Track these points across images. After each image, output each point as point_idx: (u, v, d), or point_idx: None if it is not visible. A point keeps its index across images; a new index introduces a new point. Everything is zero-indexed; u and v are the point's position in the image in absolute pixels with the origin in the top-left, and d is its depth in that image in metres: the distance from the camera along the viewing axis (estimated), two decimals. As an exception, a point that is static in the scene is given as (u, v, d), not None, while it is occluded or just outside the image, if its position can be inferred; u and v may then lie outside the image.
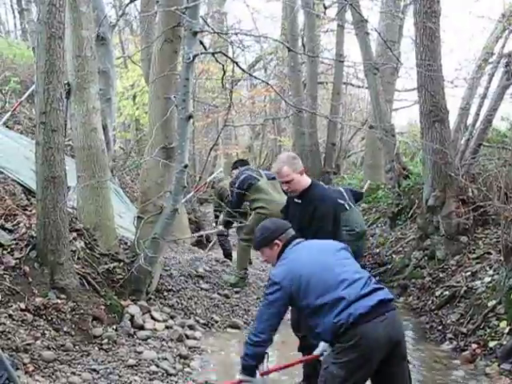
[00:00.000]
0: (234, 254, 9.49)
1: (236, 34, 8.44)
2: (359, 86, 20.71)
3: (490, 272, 6.46)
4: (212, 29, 7.24)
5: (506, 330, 5.37)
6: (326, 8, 16.10)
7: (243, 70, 7.91)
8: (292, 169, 4.44)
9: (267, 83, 10.31)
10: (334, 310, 3.18)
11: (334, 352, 3.24)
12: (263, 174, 7.84)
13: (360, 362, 3.16)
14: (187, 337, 5.68)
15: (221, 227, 9.79)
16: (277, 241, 3.62)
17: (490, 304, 5.79)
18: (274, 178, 7.74)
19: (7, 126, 9.03)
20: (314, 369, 4.68)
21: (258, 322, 3.45)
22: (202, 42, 6.33)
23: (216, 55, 6.39)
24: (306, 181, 4.53)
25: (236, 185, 7.55)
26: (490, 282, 6.20)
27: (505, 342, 5.25)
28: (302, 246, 3.58)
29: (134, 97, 15.20)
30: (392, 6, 12.51)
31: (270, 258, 3.69)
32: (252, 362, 3.45)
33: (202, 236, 11.53)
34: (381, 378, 3.30)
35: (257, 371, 3.49)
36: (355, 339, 3.13)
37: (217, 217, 11.45)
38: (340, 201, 8.92)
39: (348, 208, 8.83)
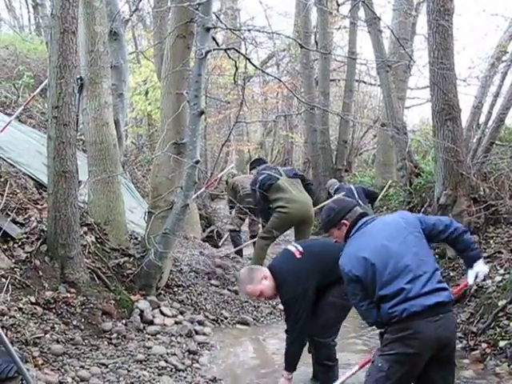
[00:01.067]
0: (245, 250, 9.51)
1: (249, 30, 8.43)
2: (371, 84, 20.63)
3: (501, 271, 6.41)
4: (225, 25, 7.24)
5: (517, 330, 5.34)
6: (338, 5, 16.04)
7: (255, 67, 7.89)
8: (254, 284, 4.30)
9: (279, 80, 10.30)
10: (392, 300, 3.18)
11: (382, 345, 3.26)
12: (282, 171, 7.77)
13: (405, 358, 3.16)
14: (196, 332, 5.69)
15: (229, 226, 9.83)
16: (344, 220, 3.60)
17: (501, 303, 5.74)
18: (294, 176, 7.74)
19: (20, 120, 9.07)
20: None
21: (359, 313, 3.47)
22: (214, 38, 6.32)
23: (228, 51, 6.39)
24: (271, 281, 4.32)
25: (257, 186, 7.47)
26: (501, 282, 6.15)
27: (515, 342, 5.22)
28: (371, 228, 3.48)
29: (147, 92, 15.23)
30: (405, 4, 12.42)
31: (339, 238, 3.66)
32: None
33: (212, 231, 11.55)
34: (425, 379, 3.28)
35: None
36: (405, 332, 3.13)
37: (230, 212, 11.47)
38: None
39: None
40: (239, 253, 9.45)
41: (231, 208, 11.07)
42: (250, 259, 8.35)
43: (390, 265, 3.24)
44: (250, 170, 8.34)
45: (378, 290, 3.23)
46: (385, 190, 11.62)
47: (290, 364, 4.39)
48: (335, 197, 9.05)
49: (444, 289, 3.27)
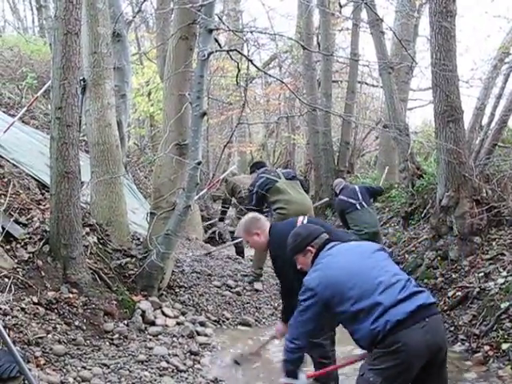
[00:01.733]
0: (247, 251, 9.51)
1: (251, 32, 8.45)
2: (374, 85, 20.63)
3: (504, 273, 6.40)
4: (227, 27, 7.25)
5: (519, 333, 5.33)
6: (341, 7, 16.05)
7: (258, 68, 7.92)
8: (246, 234, 4.54)
9: (281, 81, 10.30)
10: (371, 316, 3.07)
11: (371, 358, 3.14)
12: (281, 174, 7.78)
13: (398, 369, 3.04)
14: (198, 333, 5.68)
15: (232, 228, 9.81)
16: (309, 247, 3.54)
17: (503, 306, 5.74)
18: (292, 178, 7.76)
19: (23, 121, 9.11)
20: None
21: (293, 328, 3.40)
22: (216, 40, 6.33)
23: (231, 53, 6.41)
24: (265, 238, 4.49)
25: (254, 188, 7.45)
26: (504, 284, 6.14)
27: (517, 345, 5.21)
28: (337, 249, 3.45)
29: (149, 93, 15.27)
30: (407, 6, 12.43)
31: (305, 266, 3.58)
32: (291, 367, 3.42)
33: (214, 233, 11.57)
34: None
35: (301, 373, 3.46)
36: (394, 346, 3.01)
37: (224, 213, 11.45)
38: (351, 200, 9.01)
39: (359, 208, 8.88)
40: (241, 254, 9.46)
41: (224, 207, 11.09)
42: (251, 260, 8.36)
43: (361, 280, 3.17)
44: (251, 173, 8.33)
45: (351, 306, 3.13)
46: (383, 177, 11.67)
47: (286, 317, 4.47)
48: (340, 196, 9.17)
49: (422, 291, 3.20)
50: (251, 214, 4.84)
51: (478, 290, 6.43)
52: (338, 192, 9.50)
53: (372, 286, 3.13)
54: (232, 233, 10.25)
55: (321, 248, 3.50)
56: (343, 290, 3.17)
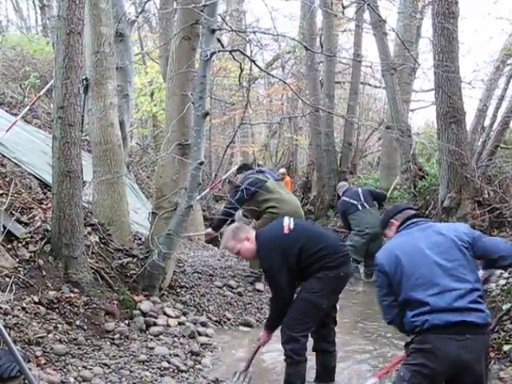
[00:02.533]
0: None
1: (254, 32, 8.41)
2: (376, 86, 20.62)
3: (506, 275, 6.38)
4: (230, 27, 7.26)
5: (521, 334, 5.31)
6: (344, 8, 16.07)
7: (260, 69, 7.91)
8: (236, 241, 4.59)
9: (284, 82, 10.29)
10: (416, 309, 3.11)
11: (407, 354, 3.22)
12: (269, 175, 7.81)
13: (425, 370, 3.06)
14: (199, 333, 5.67)
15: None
16: (392, 220, 3.61)
17: (505, 307, 5.72)
18: (280, 180, 7.84)
19: (26, 121, 9.12)
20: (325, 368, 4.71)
21: (380, 307, 3.45)
22: (219, 40, 6.35)
23: (233, 53, 6.40)
24: (254, 244, 4.55)
25: (241, 186, 7.26)
26: (505, 285, 6.14)
27: (519, 346, 5.19)
28: (420, 229, 3.40)
29: (152, 93, 15.29)
30: (410, 7, 12.42)
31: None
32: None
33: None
34: None
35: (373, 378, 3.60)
36: (425, 345, 3.06)
37: (231, 215, 11.35)
38: (353, 201, 9.05)
39: (361, 208, 8.91)
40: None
41: (230, 209, 11.07)
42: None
43: (420, 271, 3.15)
44: (237, 174, 8.27)
45: (404, 293, 3.18)
46: (391, 188, 11.71)
47: (270, 326, 4.63)
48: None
49: (478, 310, 3.08)
50: (233, 224, 4.92)
51: (479, 291, 6.42)
52: (341, 194, 9.56)
53: (429, 282, 3.12)
54: None
55: (403, 222, 3.51)
56: (403, 271, 3.20)
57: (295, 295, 4.48)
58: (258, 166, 13.06)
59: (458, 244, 3.24)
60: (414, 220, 3.48)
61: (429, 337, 3.04)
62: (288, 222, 4.56)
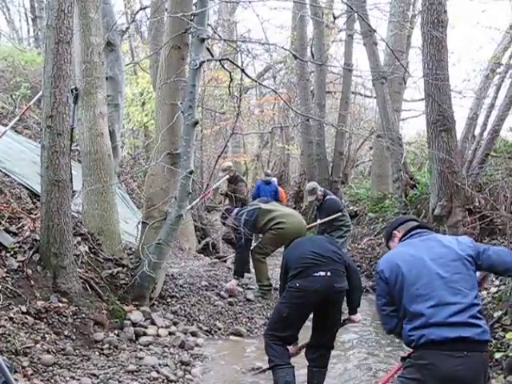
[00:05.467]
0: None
1: (243, 41, 8.48)
2: (367, 96, 20.72)
3: (497, 282, 6.39)
4: (219, 36, 7.29)
5: (512, 342, 5.31)
6: (335, 18, 16.16)
7: (250, 78, 7.93)
8: None
9: (275, 91, 10.31)
10: (413, 322, 3.03)
11: (403, 367, 3.16)
12: (258, 203, 7.78)
13: None
14: (189, 343, 5.63)
15: None
16: (395, 231, 3.55)
17: (496, 315, 5.72)
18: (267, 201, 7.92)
19: (16, 131, 9.09)
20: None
21: (379, 316, 3.40)
22: (209, 49, 6.36)
23: (224, 63, 6.41)
24: None
25: (242, 219, 7.27)
26: (496, 293, 6.14)
27: (511, 354, 5.18)
28: (422, 240, 3.34)
29: (143, 103, 15.29)
30: (400, 16, 12.51)
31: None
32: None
33: (208, 243, 11.52)
34: None
35: None
36: (421, 361, 2.97)
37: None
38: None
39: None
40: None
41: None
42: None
43: (421, 282, 3.07)
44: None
45: (403, 303, 3.11)
46: None
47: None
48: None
49: (476, 325, 2.97)
50: None
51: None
52: (322, 193, 9.40)
53: (428, 294, 3.03)
54: (227, 242, 10.22)
55: (405, 233, 3.46)
56: (403, 281, 3.13)
57: None
58: (267, 175, 13.09)
59: (462, 257, 3.16)
60: (418, 231, 3.43)
61: (425, 353, 2.96)
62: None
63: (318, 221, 9.28)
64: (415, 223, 3.56)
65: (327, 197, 9.28)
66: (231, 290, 7.27)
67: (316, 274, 4.42)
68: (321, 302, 4.47)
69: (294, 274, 4.46)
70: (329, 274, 4.43)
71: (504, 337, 5.45)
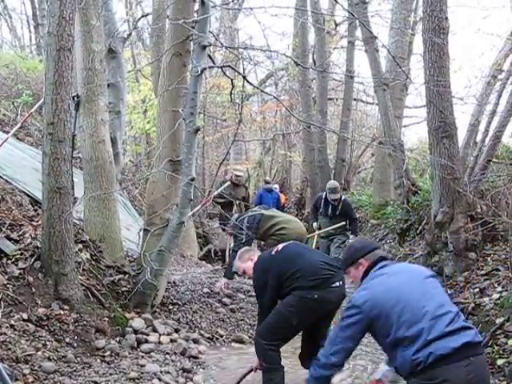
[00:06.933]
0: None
1: (245, 48, 8.48)
2: (369, 103, 20.74)
3: (499, 289, 6.38)
4: (221, 43, 7.30)
5: (515, 348, 5.28)
6: (336, 25, 16.19)
7: (252, 85, 7.93)
8: (241, 261, 5.02)
9: (277, 98, 10.34)
10: (414, 345, 2.93)
11: None
12: (260, 209, 7.81)
13: None
14: (191, 350, 5.62)
15: None
16: (362, 260, 3.41)
17: (498, 321, 5.71)
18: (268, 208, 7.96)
19: (18, 138, 9.11)
20: None
21: (331, 344, 3.24)
22: (210, 56, 6.36)
23: (225, 70, 6.42)
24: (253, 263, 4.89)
25: (246, 224, 7.34)
26: (499, 299, 6.12)
27: (513, 360, 5.16)
28: (389, 270, 3.30)
29: (145, 111, 15.32)
30: (401, 23, 12.53)
31: (355, 279, 3.46)
32: None
33: (210, 250, 11.53)
34: None
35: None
36: (432, 382, 2.86)
37: None
38: None
39: None
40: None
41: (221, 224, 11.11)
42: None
43: (409, 306, 3.02)
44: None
45: (395, 332, 3.00)
46: None
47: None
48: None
49: (470, 328, 3.01)
50: (242, 248, 5.35)
51: (473, 305, 6.41)
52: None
53: (419, 314, 2.98)
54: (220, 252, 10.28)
55: (373, 264, 3.37)
56: (389, 313, 3.03)
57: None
58: (267, 183, 13.11)
59: (431, 274, 3.28)
60: (385, 262, 3.38)
61: (436, 371, 2.87)
62: (282, 245, 4.82)
63: (332, 226, 9.12)
64: (382, 252, 3.52)
65: (343, 197, 9.34)
66: (221, 289, 7.39)
67: (334, 285, 4.44)
68: (330, 311, 4.55)
69: (311, 285, 4.38)
70: (341, 283, 4.48)
71: (506, 343, 5.43)
